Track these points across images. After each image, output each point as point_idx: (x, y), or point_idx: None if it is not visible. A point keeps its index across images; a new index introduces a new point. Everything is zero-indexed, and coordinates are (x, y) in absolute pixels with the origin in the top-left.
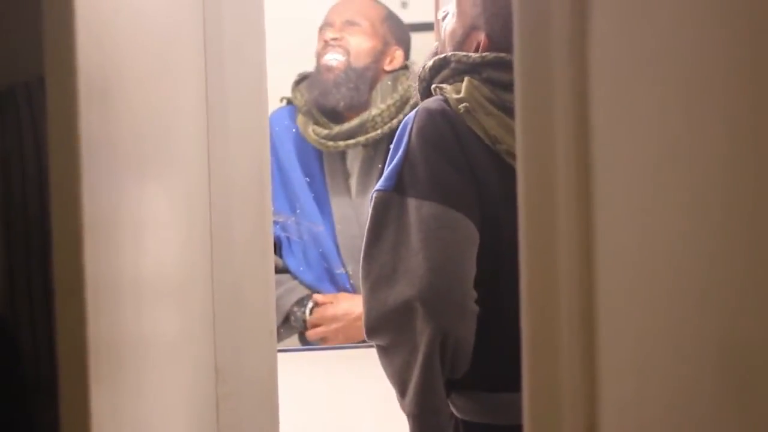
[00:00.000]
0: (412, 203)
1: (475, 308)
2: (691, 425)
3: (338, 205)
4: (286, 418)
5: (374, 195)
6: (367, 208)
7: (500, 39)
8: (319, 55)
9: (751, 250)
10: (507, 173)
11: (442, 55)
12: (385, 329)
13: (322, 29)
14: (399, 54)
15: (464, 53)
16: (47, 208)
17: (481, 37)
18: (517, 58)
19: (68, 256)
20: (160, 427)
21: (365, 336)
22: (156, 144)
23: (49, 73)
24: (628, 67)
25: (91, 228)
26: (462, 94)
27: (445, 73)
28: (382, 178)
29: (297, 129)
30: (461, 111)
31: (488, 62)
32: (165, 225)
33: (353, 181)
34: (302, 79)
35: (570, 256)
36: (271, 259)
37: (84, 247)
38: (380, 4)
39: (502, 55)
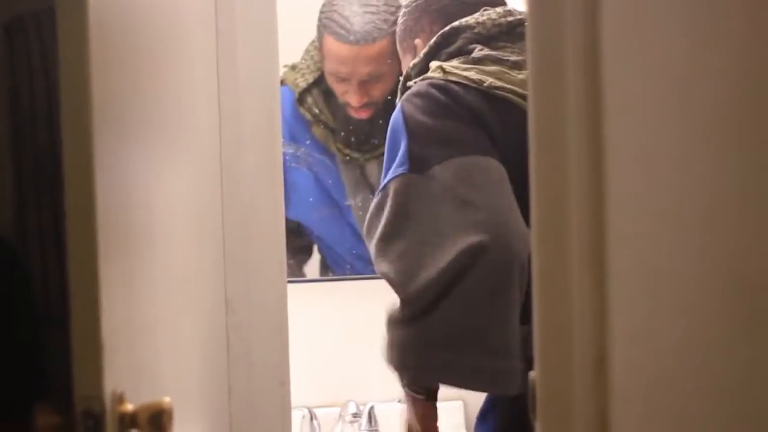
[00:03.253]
0: (435, 171)
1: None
2: (699, 355)
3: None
4: (296, 348)
5: (388, 184)
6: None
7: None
8: (341, 99)
9: (759, 184)
10: (502, 108)
11: (449, 27)
12: (438, 284)
13: (336, 81)
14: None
15: (474, 21)
16: (57, 138)
17: (417, 42)
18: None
19: (80, 191)
20: (171, 356)
21: (411, 307)
22: (167, 75)
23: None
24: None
25: (102, 162)
26: (433, 68)
27: (459, 43)
28: (391, 170)
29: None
30: (439, 74)
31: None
32: (175, 159)
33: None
34: (310, 87)
35: (579, 192)
36: (281, 190)
37: (95, 180)
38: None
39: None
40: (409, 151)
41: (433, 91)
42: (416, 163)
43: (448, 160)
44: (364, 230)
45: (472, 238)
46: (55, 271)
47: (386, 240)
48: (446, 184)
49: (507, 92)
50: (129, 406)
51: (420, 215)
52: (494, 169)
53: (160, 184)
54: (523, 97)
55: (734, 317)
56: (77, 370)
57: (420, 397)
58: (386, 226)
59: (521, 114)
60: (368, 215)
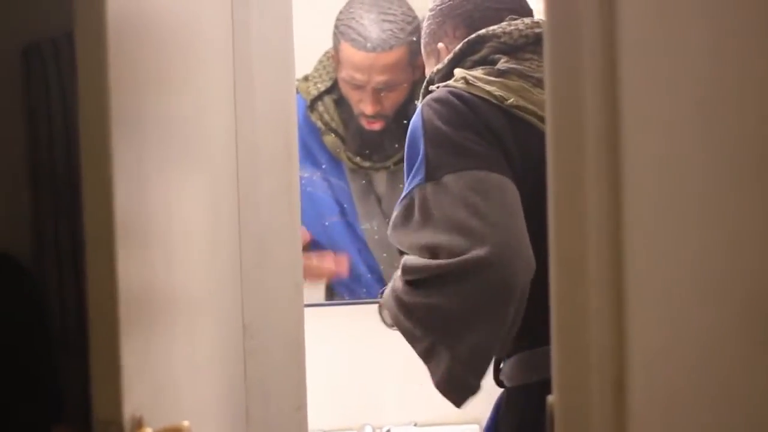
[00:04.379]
0: (450, 179)
1: (533, 260)
2: (717, 378)
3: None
4: (313, 371)
5: (410, 194)
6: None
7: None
8: (355, 109)
9: None
10: (521, 129)
11: (476, 34)
12: (436, 269)
13: (350, 88)
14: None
15: (501, 31)
16: (74, 164)
17: (440, 46)
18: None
19: (98, 209)
20: (189, 380)
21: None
22: (183, 96)
23: (79, 23)
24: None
25: (120, 182)
26: (457, 77)
27: (484, 51)
28: (411, 175)
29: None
30: (462, 84)
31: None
32: (193, 180)
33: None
34: (321, 95)
35: (598, 213)
36: (298, 213)
37: (114, 200)
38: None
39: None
40: (426, 157)
41: (453, 99)
42: (431, 171)
43: (462, 172)
44: (389, 230)
45: (479, 251)
46: (74, 296)
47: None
48: (459, 194)
49: (528, 113)
50: (148, 430)
51: (437, 222)
52: (508, 189)
53: (177, 207)
54: (543, 119)
55: (753, 339)
56: (96, 395)
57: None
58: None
59: (541, 137)
60: (394, 217)
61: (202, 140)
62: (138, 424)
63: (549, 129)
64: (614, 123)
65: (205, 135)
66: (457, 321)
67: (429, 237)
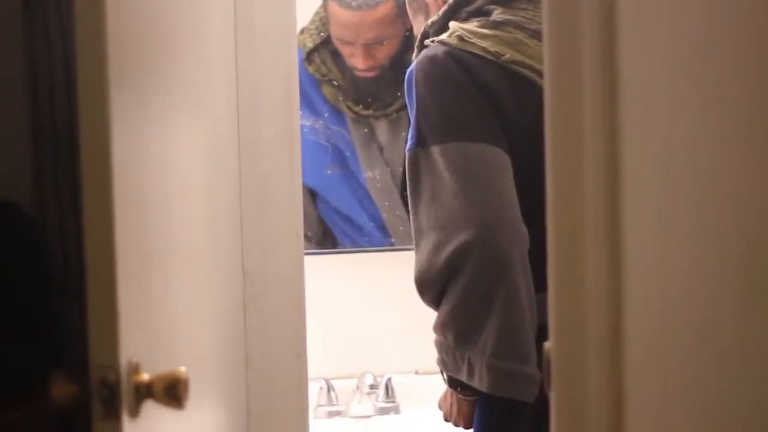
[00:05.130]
0: (436, 151)
1: (525, 230)
2: (714, 326)
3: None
4: (313, 319)
5: (405, 156)
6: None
7: None
8: (348, 62)
9: None
10: (518, 83)
11: None
12: (440, 280)
13: (341, 44)
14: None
15: None
16: (74, 115)
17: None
18: None
19: (96, 160)
20: (187, 327)
21: (418, 292)
22: (183, 46)
23: None
24: None
25: (119, 128)
26: (452, 31)
27: (479, 2)
28: (408, 138)
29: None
30: (455, 42)
31: None
32: (193, 127)
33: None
34: (318, 47)
35: (595, 165)
36: (298, 160)
37: (112, 148)
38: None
39: None
40: (417, 123)
41: (448, 61)
42: (421, 138)
43: (446, 144)
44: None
45: (463, 237)
46: (73, 242)
47: (413, 219)
48: (444, 168)
49: (524, 67)
50: (145, 376)
51: (425, 194)
52: (493, 160)
53: (176, 153)
54: (540, 72)
55: (751, 289)
56: (93, 339)
57: (468, 398)
58: (410, 199)
59: (537, 91)
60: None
61: (202, 87)
62: (135, 369)
63: (547, 81)
64: (612, 76)
65: (206, 82)
66: (469, 316)
67: (420, 223)
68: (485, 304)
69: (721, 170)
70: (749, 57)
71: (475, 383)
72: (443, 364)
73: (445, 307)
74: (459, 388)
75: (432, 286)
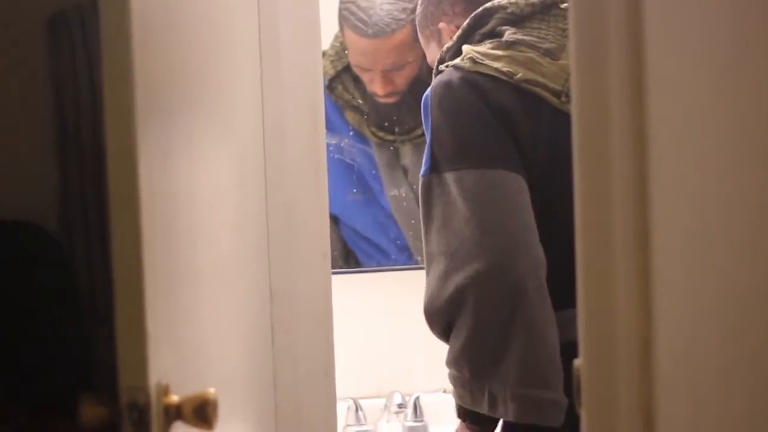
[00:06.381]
0: (449, 177)
1: (542, 255)
2: (746, 342)
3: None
4: (341, 339)
5: (421, 179)
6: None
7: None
8: (368, 88)
9: None
10: (532, 102)
11: (482, 8)
12: (448, 311)
13: (360, 70)
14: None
15: (507, 1)
16: (100, 132)
17: (441, 26)
18: None
19: (123, 181)
20: (216, 347)
21: (427, 322)
22: (210, 63)
23: None
24: None
25: (146, 151)
26: (464, 54)
27: (491, 24)
28: (423, 164)
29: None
30: (468, 65)
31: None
32: (218, 150)
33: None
34: (339, 74)
35: (623, 178)
36: (325, 181)
37: (138, 170)
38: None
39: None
40: (431, 149)
41: (461, 86)
42: (435, 163)
43: (461, 171)
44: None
45: (475, 265)
46: (101, 265)
47: (424, 245)
48: (457, 194)
49: (537, 86)
50: (174, 398)
51: (437, 220)
52: (509, 185)
53: (203, 174)
54: (554, 92)
55: None
56: (122, 361)
57: (475, 428)
58: (422, 225)
59: (551, 110)
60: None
61: (228, 108)
62: (164, 391)
63: (574, 97)
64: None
65: (232, 102)
66: (486, 348)
67: (431, 248)
68: (503, 334)
69: (750, 182)
70: None
71: (499, 413)
72: (460, 398)
73: (457, 341)
74: (467, 421)
75: (439, 316)
